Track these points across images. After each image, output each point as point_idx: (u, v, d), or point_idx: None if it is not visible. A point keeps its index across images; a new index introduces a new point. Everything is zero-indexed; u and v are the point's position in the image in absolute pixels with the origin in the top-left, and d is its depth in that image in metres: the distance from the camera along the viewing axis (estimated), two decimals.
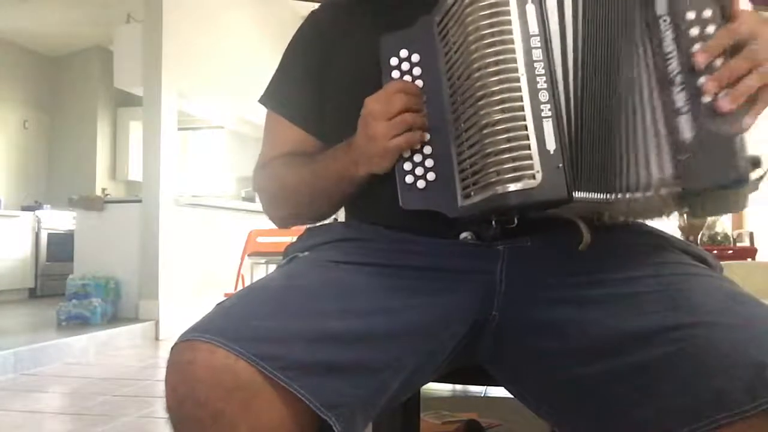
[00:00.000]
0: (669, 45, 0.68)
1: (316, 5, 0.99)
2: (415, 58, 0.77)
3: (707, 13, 0.67)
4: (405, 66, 0.77)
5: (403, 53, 0.77)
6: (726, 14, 0.67)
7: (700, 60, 0.66)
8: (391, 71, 0.77)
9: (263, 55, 6.00)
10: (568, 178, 0.64)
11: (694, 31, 0.67)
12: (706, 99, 0.66)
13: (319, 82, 0.91)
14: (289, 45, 0.98)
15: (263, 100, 0.98)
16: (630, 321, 0.67)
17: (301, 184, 0.89)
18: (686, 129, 0.67)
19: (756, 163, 0.68)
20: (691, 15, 0.67)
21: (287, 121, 0.94)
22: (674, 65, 0.67)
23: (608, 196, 0.67)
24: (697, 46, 0.67)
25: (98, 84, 7.48)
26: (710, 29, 0.67)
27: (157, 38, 4.57)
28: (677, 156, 0.67)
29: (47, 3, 6.20)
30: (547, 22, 0.66)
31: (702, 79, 0.66)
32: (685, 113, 0.67)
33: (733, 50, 0.66)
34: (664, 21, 0.68)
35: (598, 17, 0.68)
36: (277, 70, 0.98)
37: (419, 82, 0.76)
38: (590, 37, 0.68)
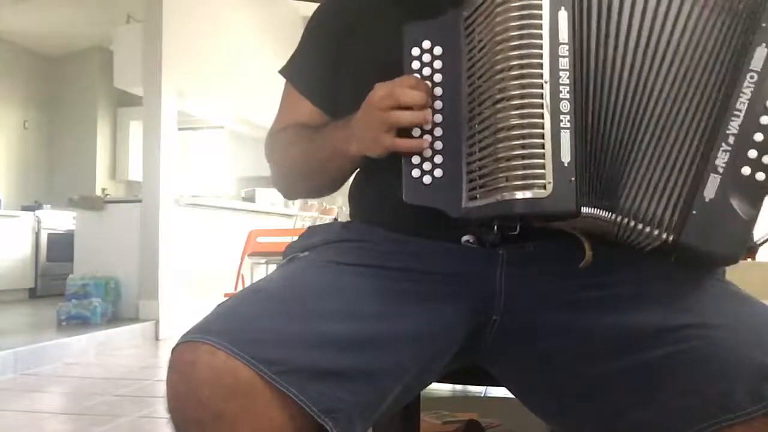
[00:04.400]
0: (743, 103, 0.65)
1: (317, 5, 0.99)
2: (438, 50, 0.74)
3: None
4: (426, 57, 0.74)
5: (426, 44, 0.74)
6: None
7: None
8: (412, 61, 0.75)
9: (263, 55, 6.00)
10: (578, 192, 0.63)
11: None
12: (746, 171, 0.65)
13: (337, 62, 0.90)
14: (313, 16, 0.97)
15: (284, 73, 0.98)
16: (632, 321, 0.67)
17: (303, 155, 0.89)
18: (711, 189, 0.65)
19: (750, 249, 0.67)
20: None
21: (301, 95, 0.94)
22: (735, 125, 0.65)
23: (614, 217, 0.66)
24: (766, 119, 0.64)
25: (98, 84, 7.48)
26: None
27: (157, 38, 4.57)
28: (689, 208, 0.65)
29: (47, 3, 6.20)
30: (580, 31, 0.64)
31: (753, 153, 0.65)
32: (718, 174, 0.65)
33: None
34: (751, 77, 0.65)
35: (662, 42, 0.66)
36: (300, 42, 0.97)
37: (438, 76, 0.74)
38: (642, 59, 0.66)
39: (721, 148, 0.65)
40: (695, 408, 0.60)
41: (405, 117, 0.72)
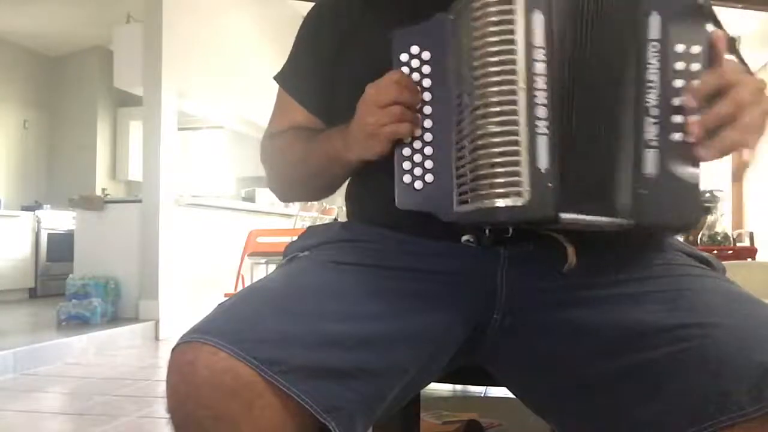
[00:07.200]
0: (652, 73, 0.66)
1: (309, 10, 0.98)
2: (426, 55, 0.74)
3: (696, 49, 0.66)
4: (415, 63, 0.75)
5: (414, 50, 0.75)
6: (712, 55, 0.66)
7: (690, 101, 0.64)
8: (401, 67, 0.75)
9: (263, 55, 6.00)
10: (557, 198, 0.63)
11: (680, 65, 0.66)
12: (676, 137, 0.65)
13: (332, 68, 0.90)
14: (304, 22, 0.96)
15: (277, 77, 0.98)
16: (634, 320, 0.67)
17: (299, 160, 0.89)
18: (650, 164, 0.65)
19: (707, 210, 0.67)
20: (680, 47, 0.65)
21: (296, 101, 0.94)
22: (653, 96, 0.65)
23: (592, 218, 0.66)
24: (679, 82, 0.65)
25: (98, 84, 7.48)
26: (695, 66, 0.65)
27: (157, 38, 4.57)
28: (636, 189, 0.65)
29: (47, 3, 6.20)
30: (555, 34, 0.64)
31: (677, 118, 0.65)
32: (653, 148, 0.65)
33: (718, 94, 0.64)
34: (654, 47, 0.66)
35: (595, 34, 0.66)
36: (294, 48, 0.97)
37: (427, 81, 0.74)
38: (587, 54, 0.66)
39: (648, 122, 0.65)
40: (695, 408, 0.60)
41: (404, 113, 0.73)
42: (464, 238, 0.77)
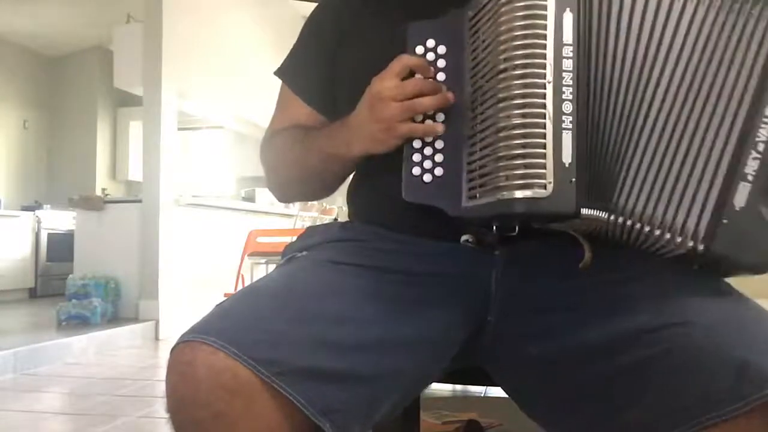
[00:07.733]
0: None
1: (315, 6, 0.99)
2: (441, 49, 0.74)
3: None
4: (430, 56, 0.74)
5: (430, 43, 0.74)
6: None
7: None
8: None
9: (263, 55, 6.00)
10: (578, 193, 0.63)
11: None
12: None
13: (333, 64, 0.90)
14: (309, 18, 0.96)
15: (278, 73, 0.97)
16: (620, 322, 0.67)
17: (297, 159, 0.89)
18: (741, 197, 0.64)
19: None
20: None
21: (296, 95, 0.94)
22: (765, 132, 0.64)
23: (615, 218, 0.65)
24: None
25: (98, 84, 7.48)
26: None
27: (157, 38, 4.57)
28: (719, 217, 0.64)
29: (47, 3, 6.20)
30: (585, 33, 0.64)
31: None
32: (748, 182, 0.64)
33: None
34: None
35: (686, 47, 0.65)
36: (296, 44, 0.97)
37: (441, 75, 0.74)
38: (615, 58, 0.65)
39: (751, 156, 0.64)
40: (679, 408, 0.60)
41: (427, 102, 0.72)
42: (463, 238, 0.77)
